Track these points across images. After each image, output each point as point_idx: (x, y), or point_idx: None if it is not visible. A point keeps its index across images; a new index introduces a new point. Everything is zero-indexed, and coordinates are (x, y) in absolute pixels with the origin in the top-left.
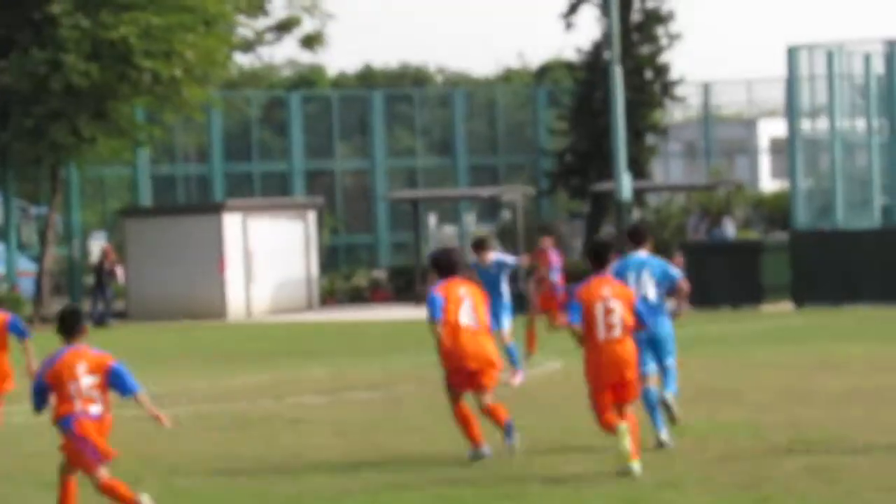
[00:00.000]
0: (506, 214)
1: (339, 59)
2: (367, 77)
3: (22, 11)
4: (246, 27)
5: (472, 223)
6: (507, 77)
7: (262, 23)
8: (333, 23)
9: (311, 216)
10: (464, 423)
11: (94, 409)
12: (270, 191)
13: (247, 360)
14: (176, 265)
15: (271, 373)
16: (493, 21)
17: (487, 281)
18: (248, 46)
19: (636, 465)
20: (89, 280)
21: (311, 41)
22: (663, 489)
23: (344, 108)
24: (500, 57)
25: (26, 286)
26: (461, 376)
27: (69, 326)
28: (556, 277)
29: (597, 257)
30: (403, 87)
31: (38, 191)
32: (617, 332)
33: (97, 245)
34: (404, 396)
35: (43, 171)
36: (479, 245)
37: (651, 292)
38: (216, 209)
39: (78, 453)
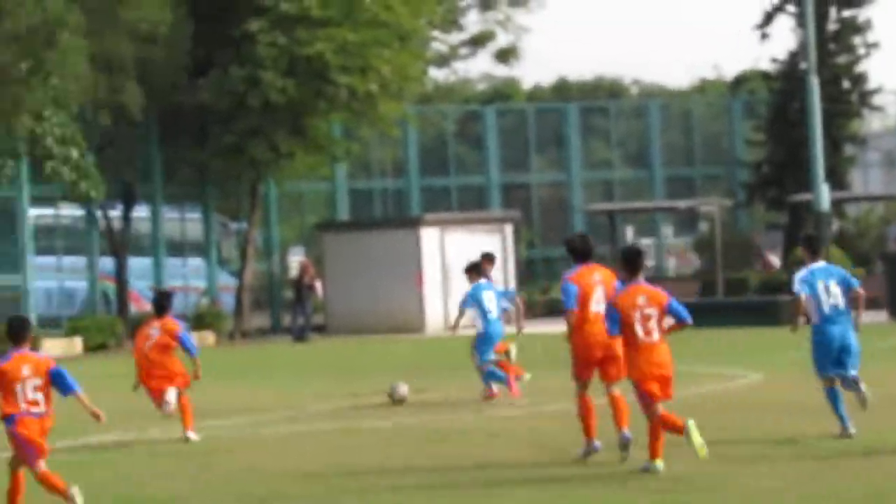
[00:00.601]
0: (703, 226)
1: (533, 72)
2: (563, 90)
3: (220, 30)
4: (441, 42)
5: (669, 235)
6: (702, 88)
7: (456, 37)
8: (528, 36)
9: (508, 229)
10: (586, 414)
11: (37, 409)
12: (467, 204)
13: (445, 373)
14: (374, 279)
15: (469, 386)
16: (688, 32)
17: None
18: (442, 61)
19: (660, 464)
20: (288, 295)
21: (505, 55)
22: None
23: (539, 121)
24: (695, 68)
25: (227, 301)
26: (588, 366)
27: (16, 333)
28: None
29: (630, 265)
30: (598, 99)
31: (238, 207)
32: (655, 337)
33: (296, 260)
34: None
35: (242, 188)
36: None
37: (841, 301)
38: (413, 223)
39: (19, 449)
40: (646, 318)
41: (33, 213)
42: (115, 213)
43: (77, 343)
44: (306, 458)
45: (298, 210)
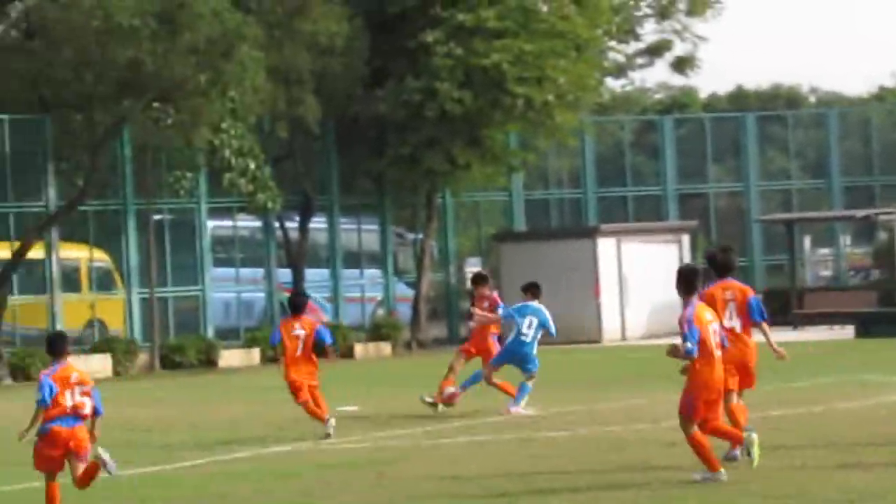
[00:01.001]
0: (882, 235)
1: (710, 81)
2: (740, 99)
3: (397, 41)
4: (617, 52)
5: (847, 245)
6: (881, 96)
7: (633, 47)
8: (704, 45)
9: (685, 239)
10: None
11: (73, 419)
12: (644, 214)
13: (622, 383)
14: (550, 289)
15: (647, 396)
16: (866, 40)
17: None
18: (619, 71)
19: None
20: (465, 305)
21: (682, 64)
22: None
23: (716, 130)
24: (874, 76)
25: (404, 311)
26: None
27: (56, 347)
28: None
29: (688, 285)
30: (776, 108)
31: (414, 217)
32: (719, 353)
33: (472, 270)
34: (784, 419)
35: (418, 198)
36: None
37: None
38: (590, 233)
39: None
40: (714, 333)
41: (211, 224)
42: (293, 224)
43: (255, 354)
44: (484, 466)
45: (475, 220)
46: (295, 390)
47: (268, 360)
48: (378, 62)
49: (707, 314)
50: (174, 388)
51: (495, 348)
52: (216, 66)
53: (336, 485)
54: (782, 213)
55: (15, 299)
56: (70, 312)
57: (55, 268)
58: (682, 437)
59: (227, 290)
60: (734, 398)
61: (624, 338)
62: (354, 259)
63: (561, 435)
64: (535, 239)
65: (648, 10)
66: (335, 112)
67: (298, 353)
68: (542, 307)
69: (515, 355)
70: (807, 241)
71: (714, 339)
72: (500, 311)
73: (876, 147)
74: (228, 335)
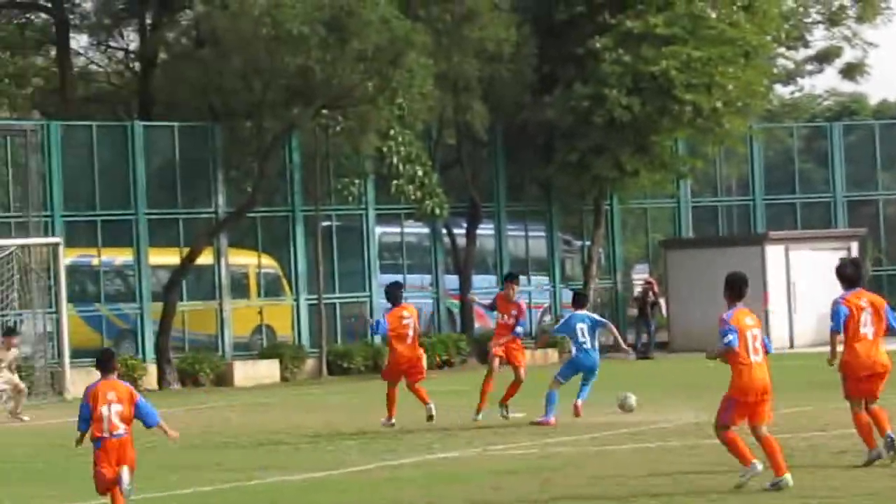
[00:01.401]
0: None
1: (880, 87)
2: None
3: (565, 47)
4: (786, 58)
5: None
6: None
7: (802, 53)
8: (874, 51)
9: (854, 246)
10: (862, 431)
11: (118, 431)
12: (812, 221)
13: (790, 391)
14: (718, 297)
15: (814, 403)
16: None
17: None
18: (788, 77)
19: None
20: (632, 312)
21: (851, 70)
22: None
23: (886, 136)
24: None
25: None
26: (860, 384)
27: (104, 365)
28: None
29: (735, 290)
30: None
31: (581, 224)
32: (760, 357)
33: (640, 277)
34: None
35: (585, 205)
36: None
37: None
38: (758, 240)
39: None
40: (754, 338)
41: (379, 230)
42: (460, 230)
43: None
44: (649, 471)
45: (642, 227)
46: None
47: (434, 366)
48: (546, 69)
49: (747, 319)
50: (342, 393)
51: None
52: (384, 73)
53: (503, 490)
54: None
55: (184, 305)
56: (238, 318)
57: (224, 274)
58: (851, 445)
59: None
60: (871, 404)
61: (792, 345)
62: (521, 265)
63: (712, 442)
64: (702, 246)
65: (818, 17)
66: (503, 118)
67: (409, 340)
68: (587, 312)
69: (585, 365)
70: None
71: (753, 343)
72: (519, 329)
73: None
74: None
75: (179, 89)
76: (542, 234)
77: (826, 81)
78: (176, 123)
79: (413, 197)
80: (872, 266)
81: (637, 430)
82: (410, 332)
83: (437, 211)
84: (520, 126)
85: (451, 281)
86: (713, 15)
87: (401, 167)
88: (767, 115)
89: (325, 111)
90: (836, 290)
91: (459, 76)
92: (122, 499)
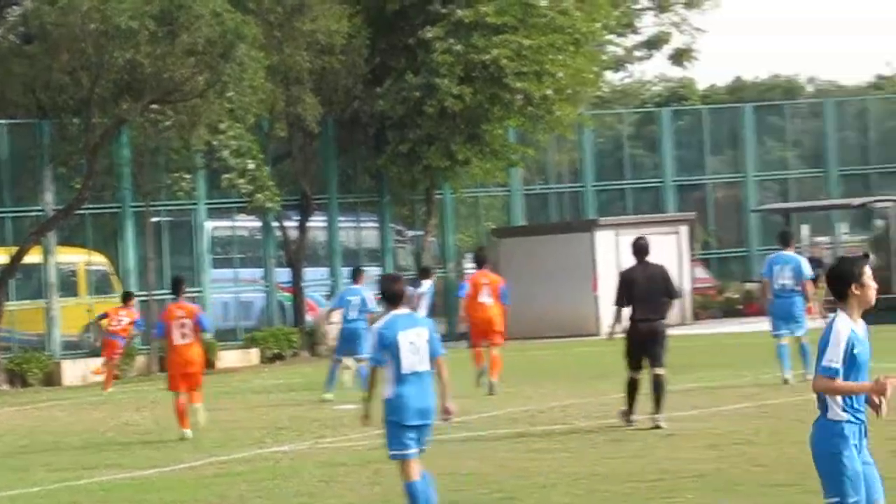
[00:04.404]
0: (878, 223)
1: (709, 73)
2: (738, 90)
3: (396, 38)
4: (616, 45)
5: (844, 233)
6: (878, 85)
7: (631, 40)
8: (702, 37)
9: (683, 231)
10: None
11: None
12: (642, 207)
13: (620, 376)
14: (549, 283)
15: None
16: (863, 30)
17: None
18: (618, 64)
19: None
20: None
21: (680, 56)
22: None
23: (714, 121)
24: (871, 65)
25: None
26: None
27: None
28: None
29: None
30: (774, 98)
31: (413, 214)
32: None
33: (472, 266)
34: (777, 408)
35: (417, 195)
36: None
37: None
38: (588, 227)
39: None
40: None
41: (210, 225)
42: (291, 223)
43: (254, 354)
44: (481, 463)
45: (474, 216)
46: None
47: (267, 360)
48: (377, 60)
49: None
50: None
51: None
52: (215, 67)
53: (334, 482)
54: (780, 202)
55: (12, 305)
56: (68, 316)
57: (52, 272)
58: (679, 427)
59: (226, 290)
60: None
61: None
62: (354, 257)
63: (560, 428)
64: (533, 233)
65: (647, 3)
66: (334, 110)
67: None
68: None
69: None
70: (805, 230)
71: None
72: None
73: (873, 136)
74: (227, 336)
75: (7, 86)
76: (375, 224)
77: (655, 67)
78: (4, 121)
79: (244, 190)
80: (701, 249)
81: (467, 420)
82: (187, 332)
83: (269, 204)
84: (351, 117)
85: (284, 274)
86: (543, 3)
87: (232, 161)
88: (598, 102)
89: (154, 106)
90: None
91: (291, 68)
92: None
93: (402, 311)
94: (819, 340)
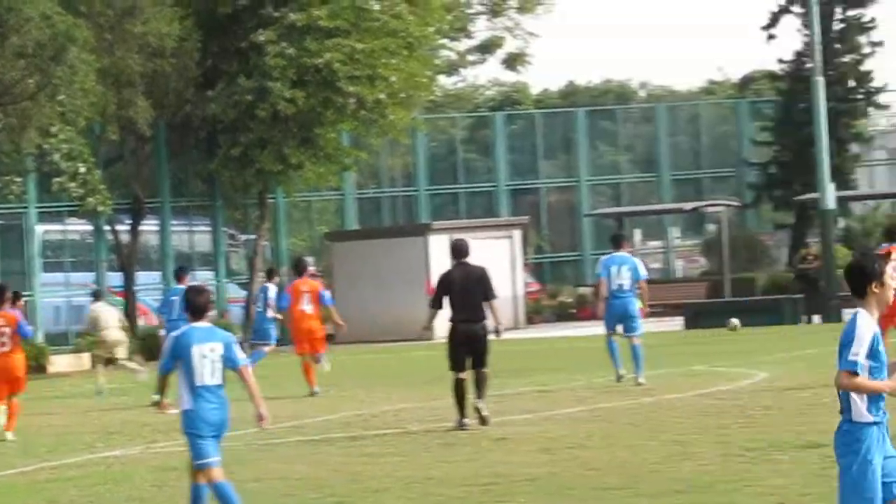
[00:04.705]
0: (710, 227)
1: (542, 77)
2: (571, 94)
3: (228, 41)
4: (449, 49)
5: (677, 237)
6: (710, 90)
7: (465, 44)
8: (536, 41)
9: (517, 235)
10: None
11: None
12: (476, 211)
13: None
14: (382, 287)
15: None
16: (695, 35)
17: None
18: (451, 68)
19: None
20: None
21: (513, 61)
22: None
23: (548, 126)
24: (702, 70)
25: (236, 313)
26: None
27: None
28: None
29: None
30: (607, 103)
31: (246, 218)
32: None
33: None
34: (609, 412)
35: (250, 199)
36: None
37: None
38: (422, 231)
39: None
40: None
41: (41, 229)
42: (124, 227)
43: (85, 359)
44: (314, 468)
45: (307, 220)
46: None
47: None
48: (209, 63)
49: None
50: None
51: None
52: (45, 70)
53: (165, 487)
54: (613, 206)
55: None
56: None
57: None
58: (511, 431)
59: (57, 294)
60: None
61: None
62: (186, 261)
63: (392, 432)
64: (367, 237)
65: (480, 7)
66: (166, 114)
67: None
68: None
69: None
70: (637, 234)
71: None
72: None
73: (704, 140)
74: (58, 340)
75: None
76: (208, 228)
77: (489, 72)
78: None
79: (75, 194)
80: (534, 253)
81: (300, 424)
82: (6, 340)
83: (100, 208)
84: (183, 121)
85: (115, 278)
86: (376, 7)
87: (63, 164)
88: (431, 106)
89: None
90: (500, 278)
91: (122, 71)
92: None
93: (202, 324)
94: (841, 337)
